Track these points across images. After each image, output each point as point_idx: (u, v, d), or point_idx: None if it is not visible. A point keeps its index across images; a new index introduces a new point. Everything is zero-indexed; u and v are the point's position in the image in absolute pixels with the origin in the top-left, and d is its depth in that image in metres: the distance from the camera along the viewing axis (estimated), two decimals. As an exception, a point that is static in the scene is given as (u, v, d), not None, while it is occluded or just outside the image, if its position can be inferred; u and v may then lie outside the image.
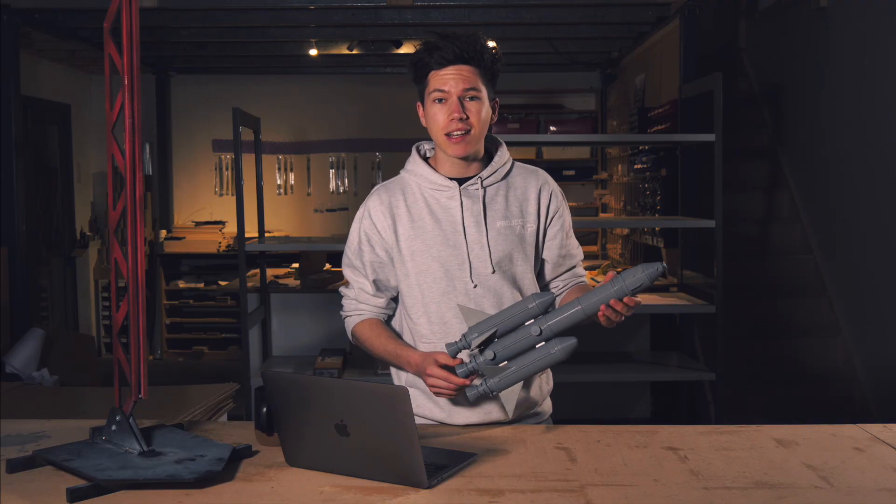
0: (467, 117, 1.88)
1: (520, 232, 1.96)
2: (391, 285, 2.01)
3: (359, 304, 2.03)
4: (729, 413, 4.14)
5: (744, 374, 4.64)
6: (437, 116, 1.91)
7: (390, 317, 2.06)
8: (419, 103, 1.97)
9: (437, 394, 1.85)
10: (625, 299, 1.73)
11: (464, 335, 1.81)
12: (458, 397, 1.88)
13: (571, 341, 1.77)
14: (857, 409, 4.14)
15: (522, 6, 5.15)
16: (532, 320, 1.79)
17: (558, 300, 2.02)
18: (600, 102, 7.72)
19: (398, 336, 2.00)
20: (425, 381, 1.85)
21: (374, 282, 2.00)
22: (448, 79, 1.89)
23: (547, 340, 1.78)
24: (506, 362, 1.80)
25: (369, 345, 2.00)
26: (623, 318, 1.77)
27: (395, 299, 2.04)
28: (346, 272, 2.04)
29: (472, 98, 1.89)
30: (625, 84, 7.03)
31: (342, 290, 2.08)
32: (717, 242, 4.06)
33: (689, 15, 4.96)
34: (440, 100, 1.90)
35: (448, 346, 1.82)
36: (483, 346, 1.80)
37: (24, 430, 1.89)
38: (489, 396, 1.82)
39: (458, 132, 1.89)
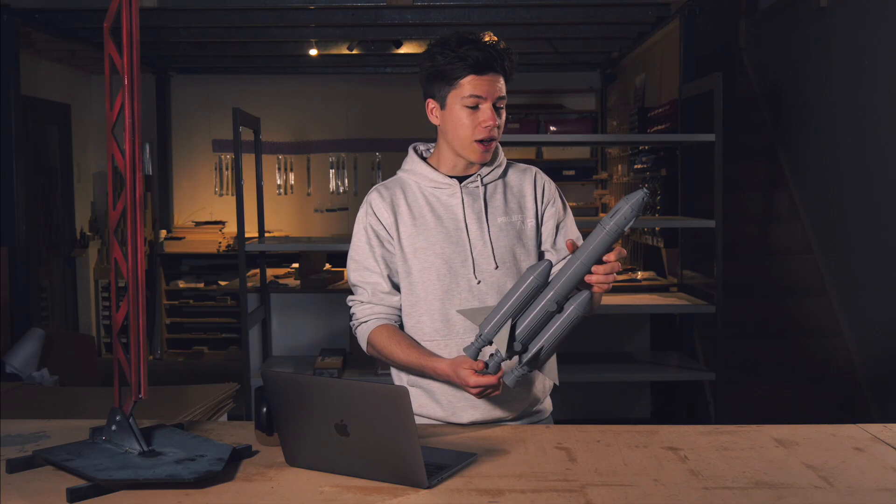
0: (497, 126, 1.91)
1: (520, 227, 1.97)
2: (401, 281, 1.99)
3: (374, 307, 1.97)
4: (729, 413, 4.14)
5: (744, 374, 4.64)
6: (465, 121, 1.90)
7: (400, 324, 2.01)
8: (430, 100, 1.95)
9: (481, 396, 1.81)
10: (605, 257, 1.68)
11: (478, 335, 1.76)
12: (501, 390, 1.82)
13: (585, 295, 1.71)
14: (857, 408, 4.14)
15: (522, 6, 5.15)
16: (541, 296, 1.73)
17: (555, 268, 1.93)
18: (600, 102, 7.72)
19: (417, 342, 1.94)
20: (469, 392, 1.80)
21: (388, 277, 1.97)
22: (486, 86, 1.88)
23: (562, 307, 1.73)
24: (539, 346, 1.74)
25: (388, 352, 1.94)
26: (613, 279, 1.71)
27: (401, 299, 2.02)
28: (356, 277, 1.99)
29: (501, 107, 1.92)
30: (625, 84, 7.03)
31: (350, 298, 2.02)
32: (717, 242, 4.06)
33: (688, 15, 4.96)
34: (475, 106, 1.89)
35: (466, 349, 1.78)
36: (509, 348, 1.75)
37: (24, 430, 1.89)
38: (528, 374, 1.76)
39: (489, 139, 1.90)
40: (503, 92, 1.91)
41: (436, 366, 1.85)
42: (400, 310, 1.99)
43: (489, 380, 1.76)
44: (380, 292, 1.97)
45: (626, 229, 1.69)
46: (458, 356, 1.83)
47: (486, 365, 1.77)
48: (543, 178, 2.04)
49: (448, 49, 1.89)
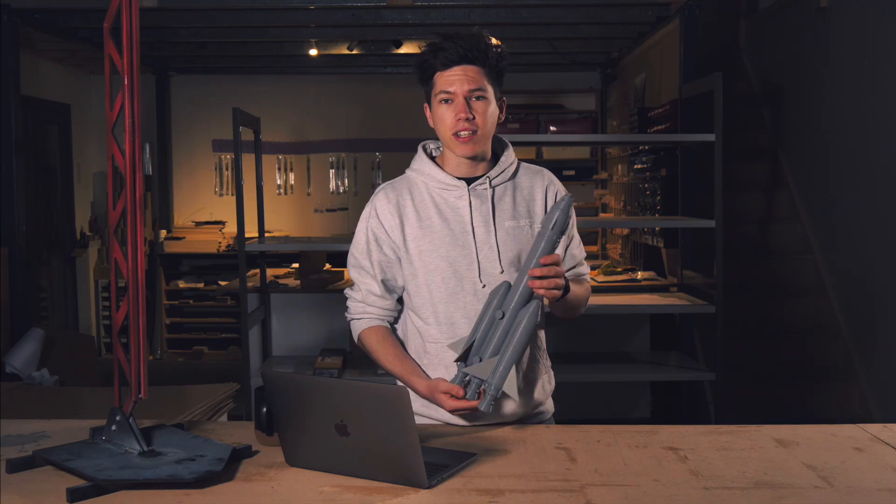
0: (474, 117, 1.89)
1: (528, 232, 1.97)
2: (398, 285, 2.00)
3: (366, 307, 2.01)
4: (729, 413, 4.14)
5: (744, 374, 4.64)
6: (444, 117, 1.90)
7: (396, 319, 2.05)
8: (426, 105, 1.97)
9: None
10: (541, 260, 1.78)
11: (457, 362, 1.85)
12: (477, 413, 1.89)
13: (533, 304, 1.79)
14: (857, 408, 4.14)
15: (522, 6, 5.15)
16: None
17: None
18: (600, 102, 7.72)
19: (404, 350, 2.00)
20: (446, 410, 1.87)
21: (383, 282, 1.99)
22: (454, 79, 1.88)
23: (515, 318, 1.81)
24: (493, 359, 1.80)
25: (376, 356, 2.00)
26: (555, 283, 1.78)
27: (401, 300, 2.04)
28: (353, 273, 2.02)
29: (478, 98, 1.89)
30: (625, 84, 7.03)
31: (347, 291, 2.06)
32: (717, 242, 4.06)
33: (689, 15, 4.96)
34: (446, 100, 1.90)
35: (452, 380, 1.84)
36: (465, 358, 1.84)
37: (24, 430, 1.89)
38: (497, 395, 1.80)
39: (466, 132, 1.89)
40: (478, 83, 1.89)
41: (415, 385, 1.91)
42: (393, 311, 2.03)
43: (464, 404, 1.82)
44: (372, 295, 2.00)
45: (561, 235, 1.82)
46: (436, 378, 1.89)
47: (465, 391, 1.82)
48: (556, 188, 2.03)
49: (422, 52, 1.93)
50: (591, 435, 1.84)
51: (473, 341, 1.82)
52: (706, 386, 4.50)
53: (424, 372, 1.95)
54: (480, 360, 1.80)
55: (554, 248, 1.81)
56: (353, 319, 2.05)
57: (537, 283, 1.77)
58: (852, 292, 4.36)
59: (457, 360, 1.84)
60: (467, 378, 1.81)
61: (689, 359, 4.48)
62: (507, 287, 1.83)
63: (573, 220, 2.06)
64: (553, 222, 1.79)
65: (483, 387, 1.80)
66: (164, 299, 7.36)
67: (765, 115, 5.62)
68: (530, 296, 1.80)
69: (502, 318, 1.80)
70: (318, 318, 4.62)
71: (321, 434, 1.57)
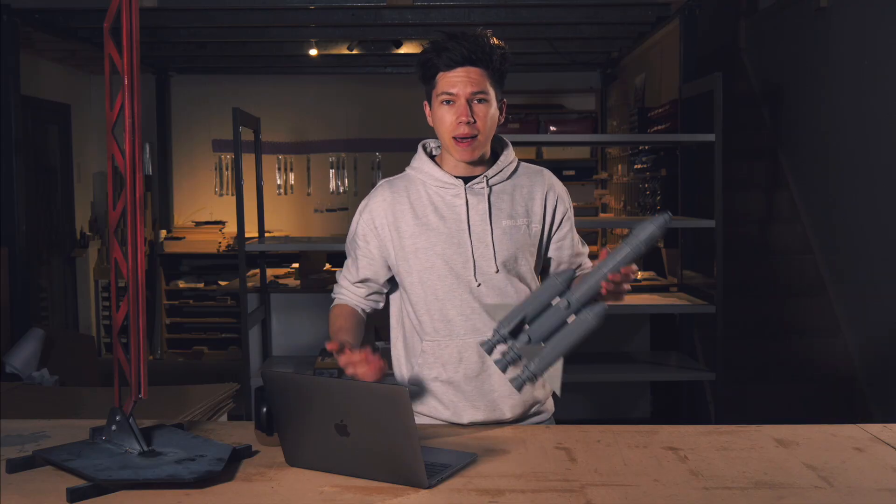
0: (475, 120, 1.88)
1: (525, 231, 1.96)
2: (378, 281, 2.02)
3: (341, 289, 2.09)
4: (729, 413, 4.14)
5: (744, 374, 4.64)
6: (444, 118, 1.90)
7: (375, 310, 2.09)
8: (426, 103, 1.97)
9: (353, 374, 1.79)
10: (622, 269, 1.71)
11: (495, 330, 1.74)
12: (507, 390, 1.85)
13: (601, 306, 1.71)
14: (857, 408, 4.14)
15: (522, 6, 5.15)
16: (558, 298, 1.74)
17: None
18: (600, 102, 7.73)
19: (353, 328, 1.99)
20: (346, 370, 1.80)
21: (363, 276, 2.03)
22: (456, 81, 1.87)
23: (576, 312, 1.72)
24: (542, 344, 1.72)
25: (330, 327, 2.03)
26: (625, 287, 1.74)
27: (380, 294, 2.05)
28: (346, 259, 2.09)
29: (480, 100, 1.89)
30: (625, 84, 7.03)
31: (338, 272, 2.13)
32: (717, 242, 4.06)
33: (688, 15, 4.96)
34: (448, 101, 1.89)
35: (482, 344, 1.75)
36: (515, 333, 1.74)
37: (24, 430, 1.89)
38: (533, 381, 1.72)
39: (465, 136, 1.89)
40: (480, 86, 1.88)
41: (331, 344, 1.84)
42: (363, 300, 2.06)
43: (351, 357, 1.76)
44: (349, 281, 2.06)
45: (645, 247, 1.73)
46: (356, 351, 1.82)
47: (493, 358, 1.73)
48: (557, 191, 2.02)
49: (425, 50, 1.92)
50: (591, 435, 1.84)
51: (524, 317, 1.73)
52: (706, 386, 4.49)
53: (391, 362, 1.98)
54: (529, 340, 1.72)
55: (636, 258, 1.75)
56: (333, 297, 2.12)
57: (610, 286, 1.71)
58: (852, 292, 4.36)
59: (500, 330, 1.73)
60: (499, 345, 1.72)
61: (689, 359, 4.48)
62: (572, 276, 1.75)
63: (573, 218, 2.07)
64: (647, 235, 1.71)
65: (522, 369, 1.70)
66: (164, 299, 7.36)
67: (765, 115, 5.62)
68: (596, 295, 1.74)
69: (567, 307, 1.72)
70: (318, 318, 4.62)
71: (321, 434, 1.57)
